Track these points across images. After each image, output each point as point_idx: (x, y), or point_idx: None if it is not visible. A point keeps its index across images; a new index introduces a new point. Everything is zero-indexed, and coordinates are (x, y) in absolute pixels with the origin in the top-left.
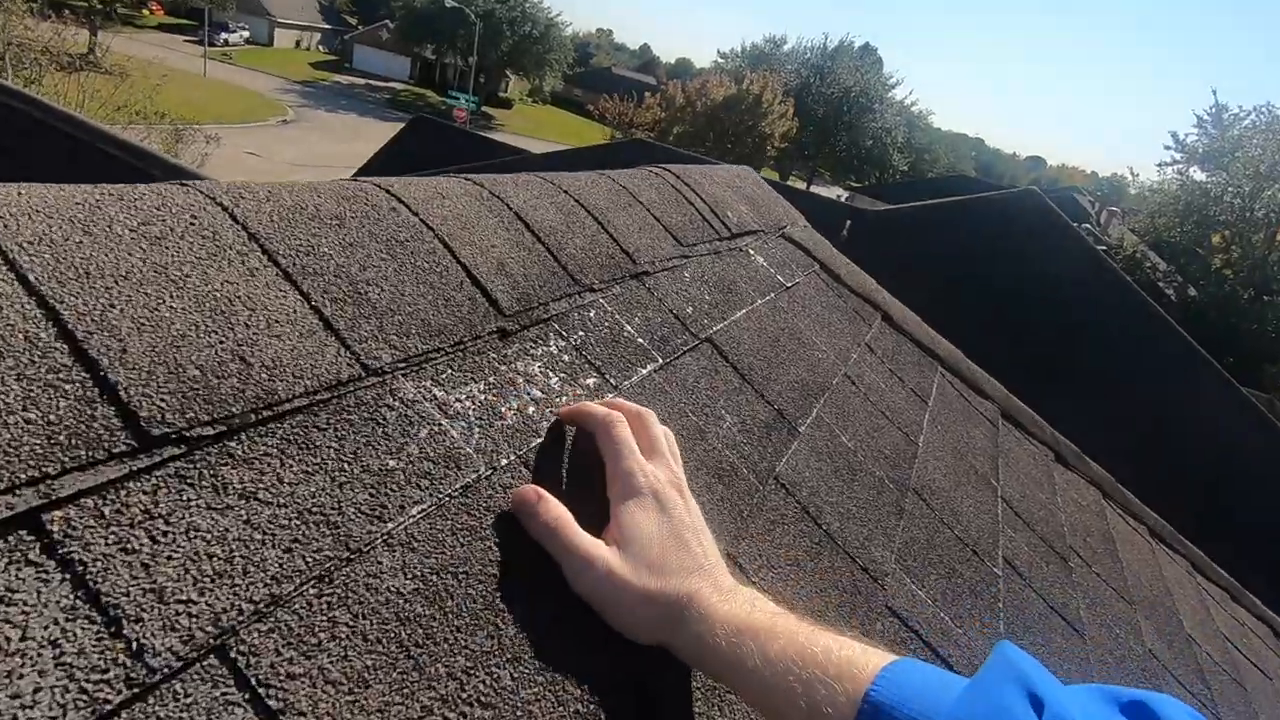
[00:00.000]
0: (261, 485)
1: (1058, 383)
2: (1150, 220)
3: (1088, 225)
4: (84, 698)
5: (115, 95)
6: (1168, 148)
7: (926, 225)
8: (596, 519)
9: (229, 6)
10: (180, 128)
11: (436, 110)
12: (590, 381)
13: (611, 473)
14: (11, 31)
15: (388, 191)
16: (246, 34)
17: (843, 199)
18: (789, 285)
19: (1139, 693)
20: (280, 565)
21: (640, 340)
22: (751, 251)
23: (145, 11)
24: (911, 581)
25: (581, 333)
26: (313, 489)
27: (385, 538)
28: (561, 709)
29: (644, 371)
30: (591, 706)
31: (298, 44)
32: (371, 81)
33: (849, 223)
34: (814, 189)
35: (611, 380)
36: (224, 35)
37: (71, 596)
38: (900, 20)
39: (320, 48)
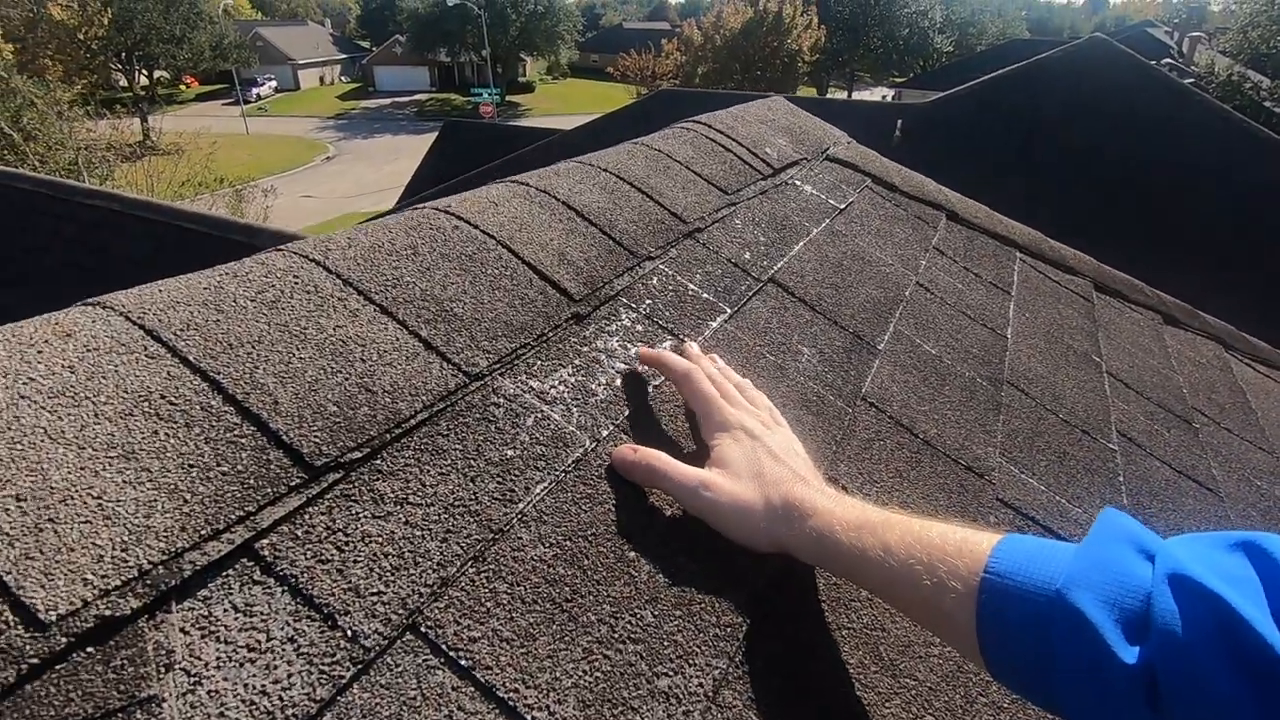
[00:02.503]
0: (409, 491)
1: (1165, 241)
2: (1242, 36)
3: (1168, 60)
4: (324, 676)
5: (177, 173)
6: None
7: (986, 103)
8: (696, 461)
9: (253, 62)
10: (239, 188)
11: (463, 111)
12: (667, 344)
13: (702, 415)
14: (77, 136)
15: (447, 212)
16: (274, 83)
17: (888, 99)
18: (843, 207)
19: (1247, 534)
20: (441, 553)
21: (705, 295)
22: (798, 182)
23: (182, 86)
24: (1020, 471)
25: (649, 301)
26: (450, 486)
27: (519, 516)
28: (702, 634)
29: (715, 324)
30: (728, 629)
31: (321, 80)
32: (397, 99)
33: (900, 122)
34: (856, 95)
35: (685, 338)
36: (255, 90)
37: (293, 603)
38: None
39: (343, 78)
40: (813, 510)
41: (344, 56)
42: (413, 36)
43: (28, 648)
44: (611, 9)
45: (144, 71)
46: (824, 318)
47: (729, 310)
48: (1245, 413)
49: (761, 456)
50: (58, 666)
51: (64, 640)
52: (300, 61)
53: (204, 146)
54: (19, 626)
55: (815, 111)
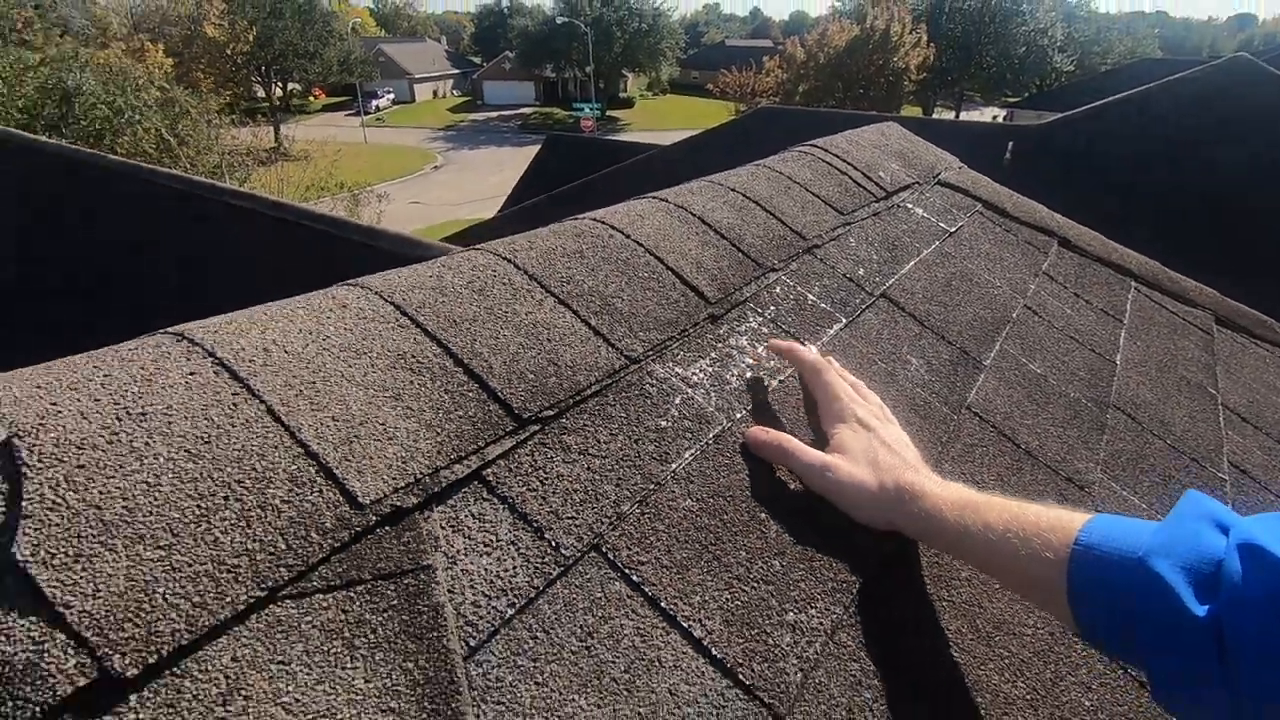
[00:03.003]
0: (588, 444)
1: None
2: None
3: None
4: (538, 571)
5: (304, 177)
6: None
7: (1108, 126)
8: (814, 447)
9: (375, 76)
10: (356, 193)
11: (565, 125)
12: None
13: (824, 405)
14: (221, 141)
15: (604, 223)
16: (392, 96)
17: (999, 119)
18: (952, 230)
19: None
20: (615, 494)
21: (823, 305)
22: (910, 205)
23: (311, 98)
24: (1122, 489)
25: (773, 307)
26: (619, 444)
27: (672, 474)
28: (821, 585)
29: (831, 331)
30: (844, 584)
31: (434, 93)
32: (503, 112)
33: (1011, 144)
34: (964, 115)
35: (806, 341)
36: (375, 102)
37: (511, 516)
38: None
39: (454, 92)
40: (921, 493)
41: (456, 71)
42: (521, 53)
43: (354, 519)
44: (714, 26)
45: (279, 84)
46: (932, 332)
47: (844, 320)
48: None
49: (877, 446)
50: (369, 535)
51: (374, 518)
52: (416, 76)
53: (329, 154)
54: (347, 505)
55: (919, 132)
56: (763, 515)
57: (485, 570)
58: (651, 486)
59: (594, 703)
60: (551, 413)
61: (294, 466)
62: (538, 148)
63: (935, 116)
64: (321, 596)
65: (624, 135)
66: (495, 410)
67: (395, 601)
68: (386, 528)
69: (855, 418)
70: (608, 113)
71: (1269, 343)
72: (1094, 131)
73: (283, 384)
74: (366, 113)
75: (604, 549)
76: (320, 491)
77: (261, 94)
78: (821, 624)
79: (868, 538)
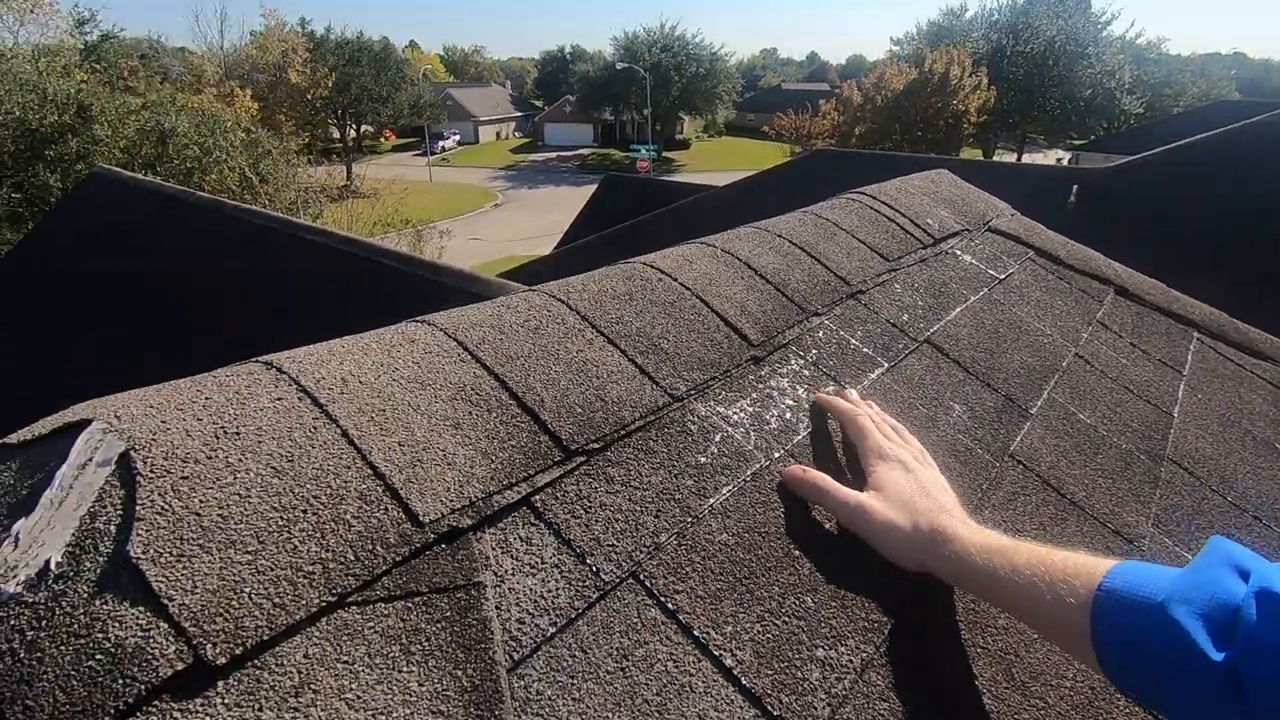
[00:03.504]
0: (631, 477)
1: None
2: None
3: None
4: (578, 593)
5: (372, 213)
6: None
7: (1181, 171)
8: (851, 487)
9: (442, 119)
10: (420, 229)
11: (621, 166)
12: (829, 389)
13: (862, 448)
14: (298, 179)
15: (652, 267)
16: (458, 137)
17: (1063, 162)
18: (1002, 277)
19: None
20: (654, 525)
21: (865, 350)
22: (958, 252)
23: (382, 139)
24: (1175, 544)
25: (815, 351)
26: (659, 478)
27: (710, 509)
28: (853, 623)
29: (873, 375)
30: (875, 624)
31: (498, 135)
32: (561, 153)
33: (1075, 188)
34: (1026, 157)
35: (845, 384)
36: (441, 144)
37: (556, 541)
38: None
39: (516, 134)
40: (954, 536)
41: (519, 114)
42: (581, 97)
43: (414, 536)
44: (771, 70)
45: (354, 126)
46: (976, 379)
47: (886, 365)
48: None
49: (913, 488)
50: (428, 551)
51: (432, 536)
52: (481, 118)
53: (396, 192)
54: (409, 523)
55: (977, 176)
56: (796, 552)
57: (530, 590)
58: (689, 520)
59: None
60: (597, 445)
61: (364, 486)
62: (594, 187)
63: (996, 159)
64: (383, 605)
65: (679, 176)
66: (545, 441)
67: (448, 614)
68: (443, 545)
69: (894, 457)
70: (664, 154)
71: None
72: (1165, 175)
73: (356, 411)
74: (433, 153)
75: (641, 576)
76: (386, 510)
77: (336, 135)
78: (851, 661)
79: (902, 578)
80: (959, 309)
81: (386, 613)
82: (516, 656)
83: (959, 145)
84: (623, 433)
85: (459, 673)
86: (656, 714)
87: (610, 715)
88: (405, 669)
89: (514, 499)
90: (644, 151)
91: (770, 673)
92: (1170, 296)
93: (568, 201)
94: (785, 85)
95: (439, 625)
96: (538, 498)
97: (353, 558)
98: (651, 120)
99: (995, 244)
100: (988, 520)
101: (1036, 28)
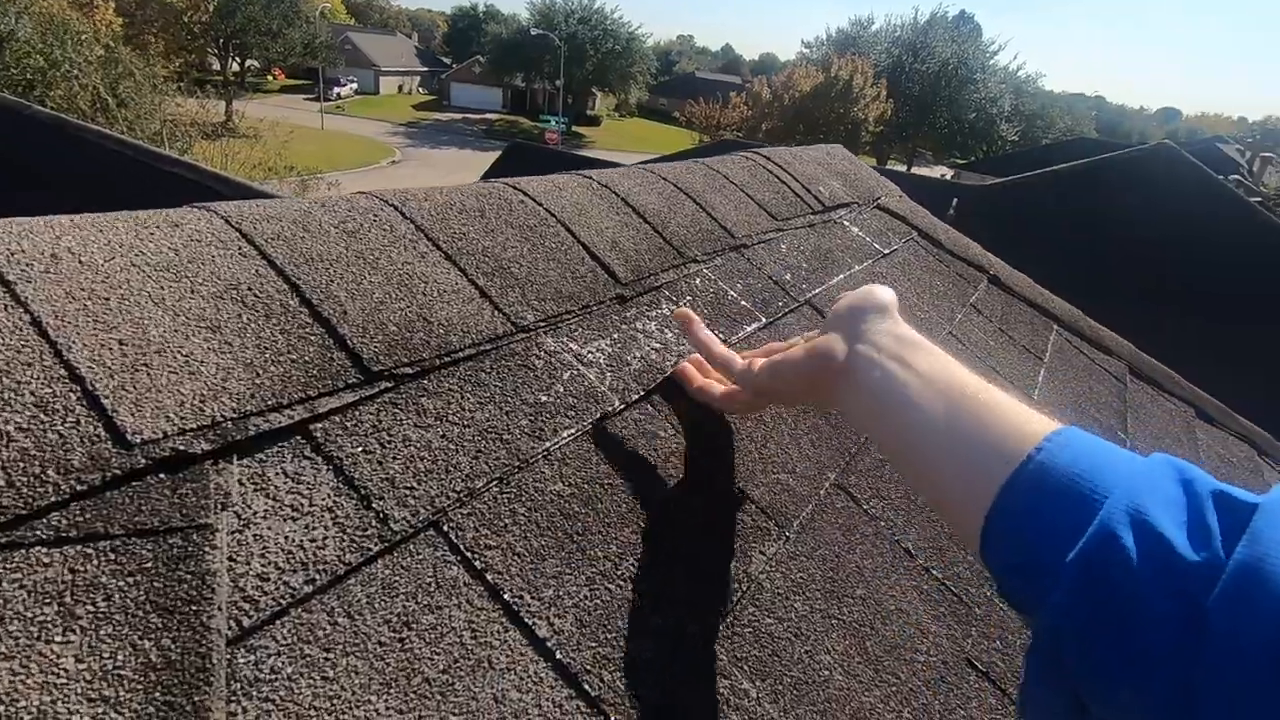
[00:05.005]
0: (450, 410)
1: (1216, 358)
2: None
3: (1236, 176)
4: (355, 545)
5: (251, 155)
6: None
7: (1043, 196)
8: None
9: (339, 63)
10: (305, 178)
11: (529, 135)
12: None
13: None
14: (165, 110)
15: (515, 188)
16: (355, 85)
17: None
18: (886, 252)
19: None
20: (471, 468)
21: (744, 303)
22: (846, 223)
23: (269, 77)
24: None
25: (689, 297)
26: (487, 415)
27: (545, 454)
28: (699, 590)
29: (749, 329)
30: (724, 591)
31: (400, 88)
32: (468, 115)
33: (955, 201)
34: (915, 170)
35: (720, 336)
36: (336, 90)
37: (335, 480)
38: None
39: (420, 89)
40: (871, 335)
41: (425, 69)
42: (493, 59)
43: (113, 460)
44: (687, 57)
45: (237, 59)
46: None
47: (764, 320)
48: None
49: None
50: (135, 482)
51: (143, 461)
52: (383, 68)
53: (280, 135)
54: (109, 442)
55: None
56: (644, 509)
57: (287, 538)
58: (517, 464)
59: (395, 707)
60: (410, 371)
61: (48, 390)
62: (500, 154)
63: (889, 168)
64: (42, 550)
65: (587, 152)
66: (340, 359)
67: (150, 564)
68: (160, 475)
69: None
70: (574, 128)
71: (1176, 397)
72: (1034, 196)
73: (62, 295)
74: (327, 99)
75: (446, 527)
76: (77, 423)
77: (217, 67)
78: (693, 633)
79: (761, 541)
80: (843, 275)
81: (45, 561)
82: (247, 623)
83: (857, 151)
84: (448, 359)
85: (148, 643)
86: (438, 695)
87: (373, 699)
88: (59, 639)
89: (282, 423)
90: (554, 123)
91: (593, 645)
92: (1036, 290)
93: (471, 165)
94: (699, 73)
95: (131, 579)
96: (319, 425)
97: (3, 483)
98: (564, 92)
99: (882, 220)
100: (854, 484)
101: (933, 48)
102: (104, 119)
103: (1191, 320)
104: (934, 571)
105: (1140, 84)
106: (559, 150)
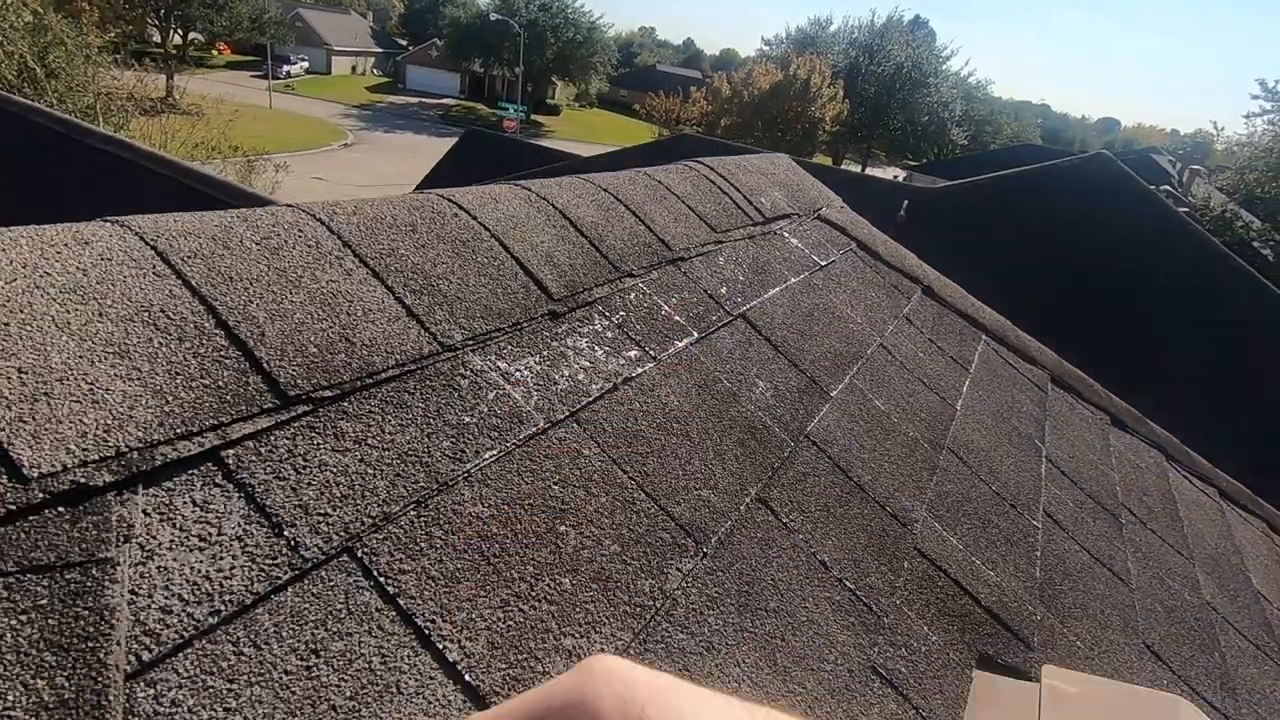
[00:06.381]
0: (369, 434)
1: (1137, 358)
2: (1239, 176)
3: (1167, 187)
4: (264, 574)
5: (193, 133)
6: (1255, 97)
7: (989, 200)
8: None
9: (289, 40)
10: (252, 159)
11: (487, 122)
12: (631, 354)
13: None
14: (100, 83)
15: (449, 200)
16: (306, 64)
17: (899, 179)
18: (824, 264)
19: None
20: (388, 492)
21: (677, 318)
22: (786, 234)
23: (214, 52)
24: (943, 529)
25: (623, 313)
26: (407, 437)
27: (465, 475)
28: (612, 608)
29: (680, 344)
30: (639, 609)
31: (353, 69)
32: (424, 99)
33: (906, 203)
34: (869, 170)
35: (651, 352)
36: (286, 68)
37: (246, 508)
38: None
39: (375, 71)
40: None
41: (379, 50)
42: (451, 42)
43: (7, 495)
44: (648, 50)
45: (179, 31)
46: (785, 358)
47: (696, 335)
48: (1172, 519)
49: None
50: (31, 516)
51: (40, 495)
52: (335, 48)
53: (224, 113)
54: (3, 476)
55: (826, 179)
56: (563, 529)
57: (192, 569)
58: (435, 487)
59: None
60: (330, 394)
61: None
62: (457, 139)
63: (843, 168)
64: None
65: (546, 141)
66: (256, 383)
67: (44, 602)
68: (59, 509)
69: None
70: (533, 117)
71: (1093, 404)
72: (979, 200)
73: None
74: (275, 77)
75: (360, 553)
76: None
77: (157, 39)
78: (604, 651)
79: (679, 558)
80: (778, 288)
81: None
82: (148, 657)
83: (813, 150)
84: (370, 381)
85: (40, 682)
86: None
87: None
88: None
89: (191, 452)
90: (512, 111)
91: (503, 667)
92: (968, 301)
93: (426, 151)
94: (660, 67)
95: (22, 618)
96: (231, 452)
97: None
98: (523, 80)
99: (822, 231)
100: (775, 498)
101: (889, 51)
102: (31, 90)
103: (1120, 326)
104: (847, 583)
105: (1082, 93)
106: (517, 138)
